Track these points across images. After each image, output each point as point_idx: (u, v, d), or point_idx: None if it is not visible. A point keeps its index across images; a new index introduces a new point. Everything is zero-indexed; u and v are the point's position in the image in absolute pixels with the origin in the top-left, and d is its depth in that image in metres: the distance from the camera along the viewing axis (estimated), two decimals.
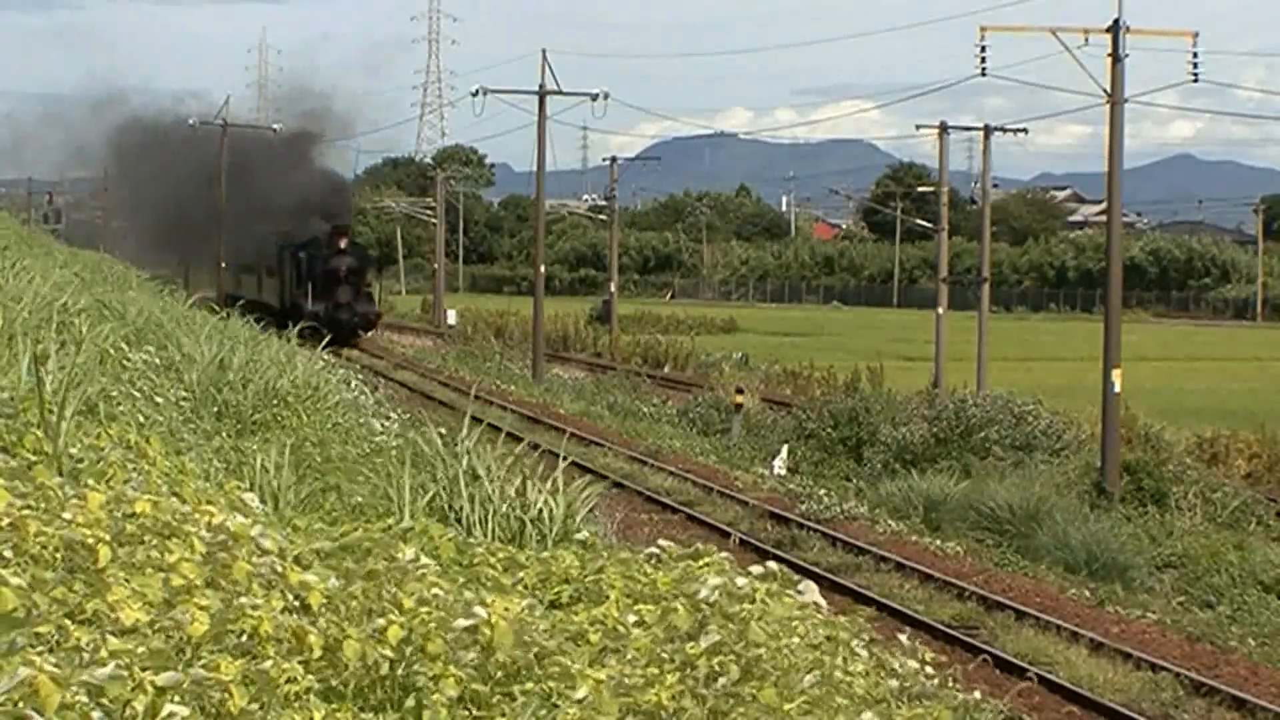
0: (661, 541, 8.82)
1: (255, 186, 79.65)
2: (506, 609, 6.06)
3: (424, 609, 6.03)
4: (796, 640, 7.37)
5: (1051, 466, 37.50)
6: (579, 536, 11.28)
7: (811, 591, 8.45)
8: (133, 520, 5.94)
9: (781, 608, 7.78)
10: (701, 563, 8.31)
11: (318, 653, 5.56)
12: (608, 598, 7.47)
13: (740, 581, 8.01)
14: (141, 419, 11.87)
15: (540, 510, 11.49)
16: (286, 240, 78.70)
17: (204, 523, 6.13)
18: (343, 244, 75.43)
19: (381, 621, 5.88)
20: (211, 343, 19.18)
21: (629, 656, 6.55)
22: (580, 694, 5.76)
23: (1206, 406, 56.96)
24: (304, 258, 75.38)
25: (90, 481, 7.03)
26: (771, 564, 8.75)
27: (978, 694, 10.53)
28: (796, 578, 8.72)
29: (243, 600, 5.59)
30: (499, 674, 5.89)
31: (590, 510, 13.30)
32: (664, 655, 6.67)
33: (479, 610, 5.96)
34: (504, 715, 5.75)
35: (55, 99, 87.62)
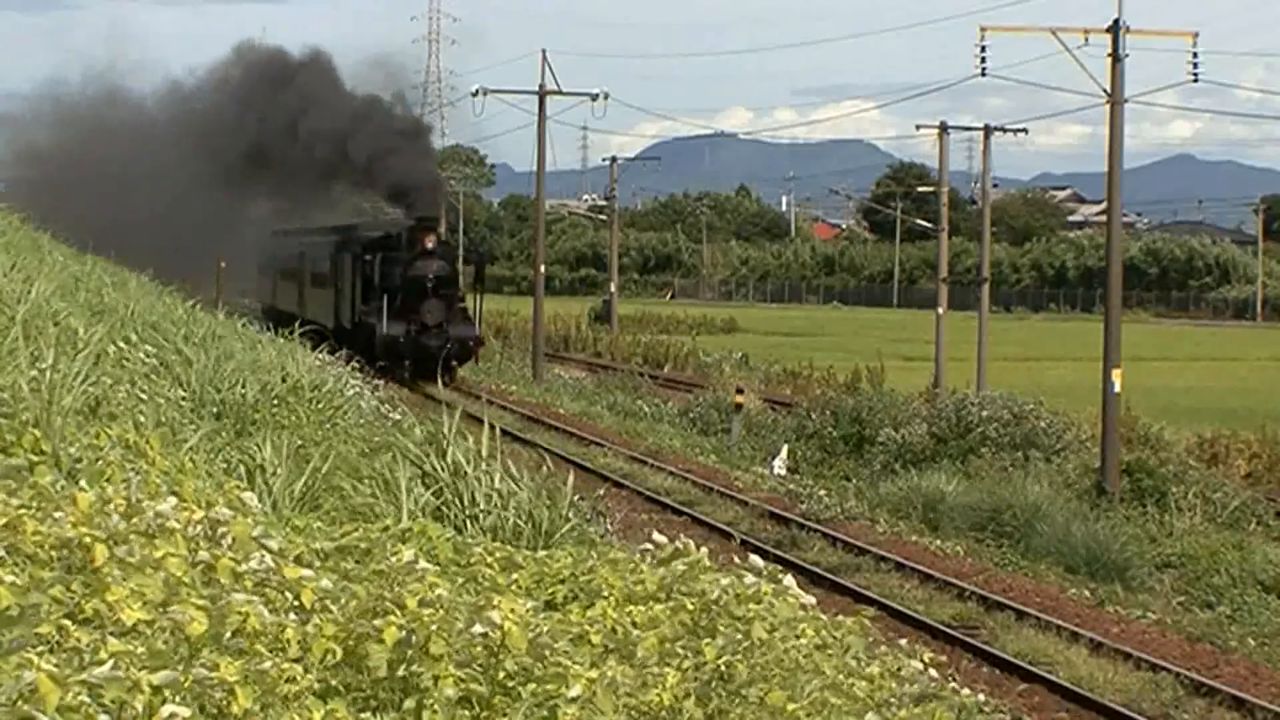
0: (656, 536, 8.81)
1: (294, 162, 61.60)
2: (513, 610, 6.06)
3: (426, 610, 6.02)
4: (803, 641, 7.37)
5: (1051, 466, 37.49)
6: (573, 535, 11.29)
7: (791, 587, 8.43)
8: (124, 519, 5.93)
9: (786, 608, 7.78)
10: (687, 560, 8.30)
11: (295, 651, 5.55)
12: (603, 598, 7.47)
13: (749, 580, 8.02)
14: (141, 418, 11.86)
15: (534, 509, 11.49)
16: (346, 237, 60.61)
17: (193, 520, 6.13)
18: (430, 243, 55.29)
19: (379, 622, 5.88)
20: (211, 342, 19.19)
21: (639, 655, 6.55)
22: (574, 692, 5.76)
23: (1206, 406, 56.93)
24: (375, 262, 55.94)
25: (84, 482, 7.03)
26: (755, 559, 8.73)
27: (981, 695, 10.56)
28: (779, 569, 8.70)
29: (222, 586, 5.58)
30: (500, 674, 5.88)
31: (591, 510, 13.31)
32: (678, 652, 6.67)
33: (493, 615, 5.96)
34: (504, 715, 5.74)
35: (54, 98, 78.65)
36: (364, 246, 57.42)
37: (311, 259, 64.37)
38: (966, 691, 9.44)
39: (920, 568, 26.97)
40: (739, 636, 7.03)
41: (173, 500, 6.37)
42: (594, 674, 5.88)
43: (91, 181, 65.38)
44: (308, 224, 68.55)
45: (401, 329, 53.86)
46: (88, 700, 4.46)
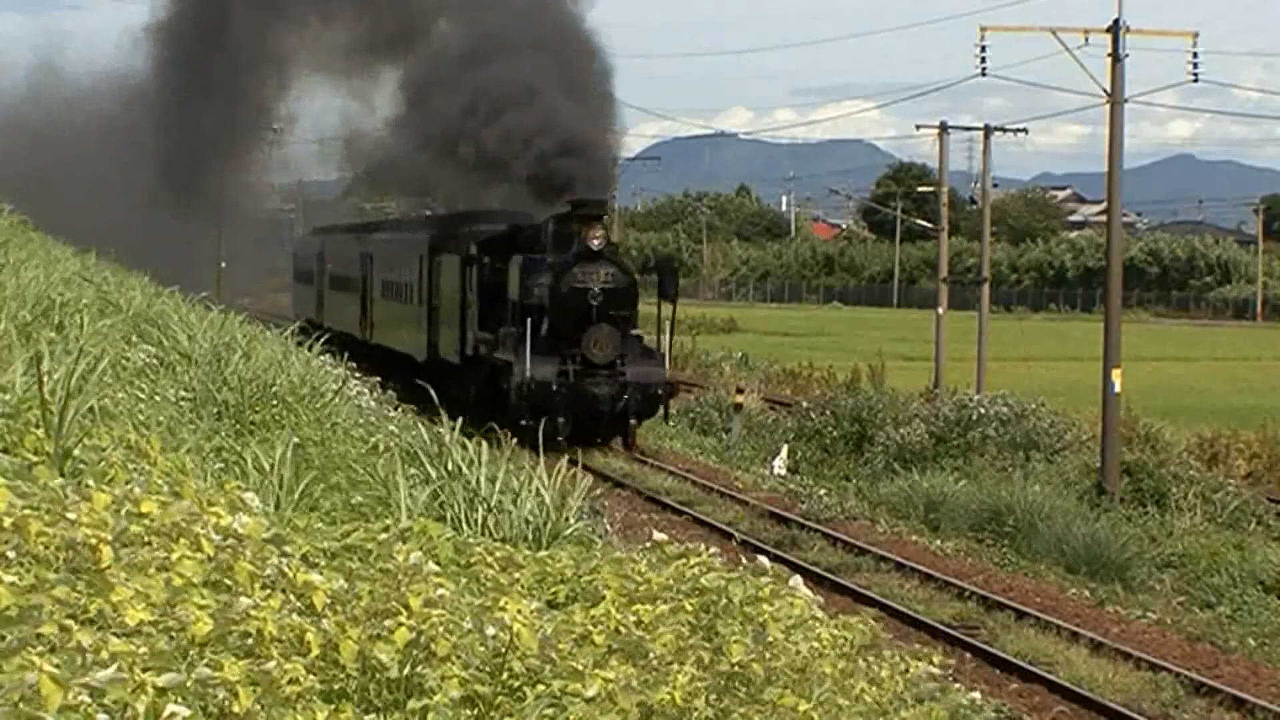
0: (657, 535, 8.83)
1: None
2: (520, 611, 6.07)
3: (434, 611, 6.03)
4: (816, 644, 7.39)
5: (1051, 466, 37.51)
6: (572, 535, 11.29)
7: (799, 587, 8.46)
8: (138, 521, 5.94)
9: (795, 608, 7.80)
10: (694, 561, 8.32)
11: (316, 652, 5.56)
12: (603, 598, 7.49)
13: (763, 580, 8.05)
14: (141, 418, 11.85)
15: (532, 508, 11.48)
16: (448, 232, 43.64)
17: (211, 524, 6.13)
18: (595, 241, 37.39)
19: (390, 623, 5.89)
20: (209, 340, 19.15)
21: (655, 654, 6.57)
22: (592, 692, 5.77)
23: (1206, 406, 56.95)
24: (509, 268, 39.05)
25: (91, 482, 7.03)
26: (762, 560, 8.76)
27: (977, 695, 10.60)
28: (786, 573, 8.73)
29: (244, 601, 5.59)
30: (505, 675, 5.89)
31: (590, 509, 13.32)
32: (699, 646, 6.69)
33: (503, 615, 5.97)
34: (510, 716, 5.75)
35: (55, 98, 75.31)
36: (482, 245, 40.04)
37: (384, 262, 48.89)
38: (963, 690, 9.46)
39: (920, 568, 26.97)
40: (765, 639, 7.05)
41: (187, 503, 6.38)
42: (611, 674, 5.89)
43: (44, 168, 58.09)
44: (377, 217, 55.35)
45: (553, 369, 36.71)
46: (88, 701, 4.46)
